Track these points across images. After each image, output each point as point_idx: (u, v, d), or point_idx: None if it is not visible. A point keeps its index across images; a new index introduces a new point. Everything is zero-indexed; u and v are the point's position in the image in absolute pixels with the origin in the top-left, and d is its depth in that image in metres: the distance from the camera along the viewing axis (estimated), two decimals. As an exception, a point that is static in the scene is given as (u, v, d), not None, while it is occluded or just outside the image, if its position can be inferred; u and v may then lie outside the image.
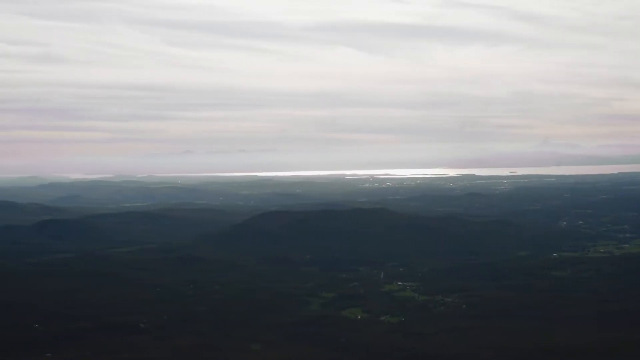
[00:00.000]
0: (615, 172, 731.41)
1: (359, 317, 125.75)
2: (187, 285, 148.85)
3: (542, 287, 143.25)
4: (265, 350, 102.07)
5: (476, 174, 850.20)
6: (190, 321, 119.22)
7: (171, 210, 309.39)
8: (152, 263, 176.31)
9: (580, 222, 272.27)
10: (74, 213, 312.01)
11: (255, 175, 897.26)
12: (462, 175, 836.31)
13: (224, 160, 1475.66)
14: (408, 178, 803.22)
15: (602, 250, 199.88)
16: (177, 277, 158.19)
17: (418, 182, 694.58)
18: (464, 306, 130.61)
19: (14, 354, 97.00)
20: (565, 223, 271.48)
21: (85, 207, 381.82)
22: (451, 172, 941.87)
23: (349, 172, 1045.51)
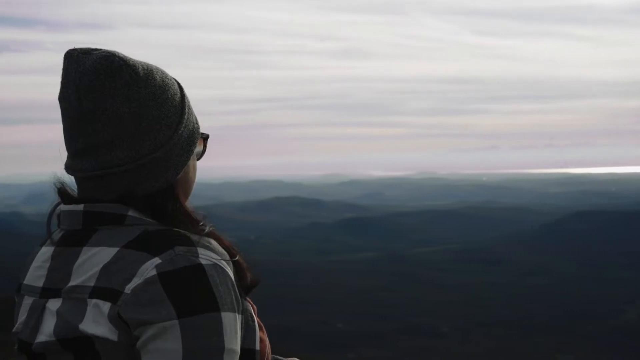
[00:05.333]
0: None
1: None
2: (489, 288, 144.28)
3: None
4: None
5: None
6: (493, 325, 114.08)
7: (474, 209, 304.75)
8: (454, 264, 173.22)
9: None
10: (376, 211, 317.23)
11: (566, 172, 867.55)
12: None
13: (532, 155, 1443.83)
14: None
15: None
16: (479, 278, 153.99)
17: None
18: None
19: (315, 352, 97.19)
20: None
21: (386, 204, 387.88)
22: None
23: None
